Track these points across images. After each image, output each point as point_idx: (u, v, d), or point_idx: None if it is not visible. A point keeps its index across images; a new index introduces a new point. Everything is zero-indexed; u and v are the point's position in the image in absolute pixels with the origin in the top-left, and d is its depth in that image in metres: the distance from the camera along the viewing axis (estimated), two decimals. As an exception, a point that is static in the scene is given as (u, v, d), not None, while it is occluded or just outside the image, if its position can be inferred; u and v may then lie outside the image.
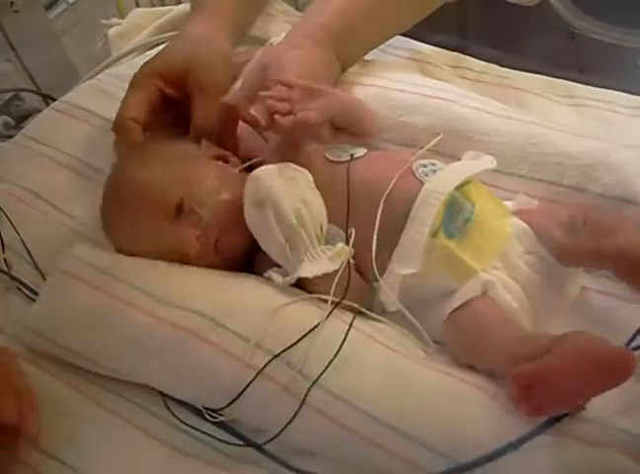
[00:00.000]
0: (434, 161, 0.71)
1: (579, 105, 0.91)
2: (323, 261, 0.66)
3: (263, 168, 0.68)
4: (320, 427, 0.59)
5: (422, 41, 1.01)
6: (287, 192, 0.67)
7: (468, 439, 0.55)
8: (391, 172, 0.68)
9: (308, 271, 0.65)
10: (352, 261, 0.66)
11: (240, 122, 0.77)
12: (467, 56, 0.97)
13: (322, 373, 0.59)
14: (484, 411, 0.57)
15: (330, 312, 0.63)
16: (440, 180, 0.67)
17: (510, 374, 0.55)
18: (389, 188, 0.67)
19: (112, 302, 0.66)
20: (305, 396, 0.59)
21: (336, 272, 0.64)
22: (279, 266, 0.68)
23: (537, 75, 0.95)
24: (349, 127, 0.77)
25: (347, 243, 0.67)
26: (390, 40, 0.95)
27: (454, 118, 0.77)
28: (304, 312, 0.64)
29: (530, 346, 0.57)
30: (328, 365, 0.59)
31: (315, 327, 0.62)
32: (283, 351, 0.61)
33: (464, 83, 0.93)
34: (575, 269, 0.67)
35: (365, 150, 0.74)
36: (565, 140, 0.74)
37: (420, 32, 0.97)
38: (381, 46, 0.94)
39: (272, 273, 0.68)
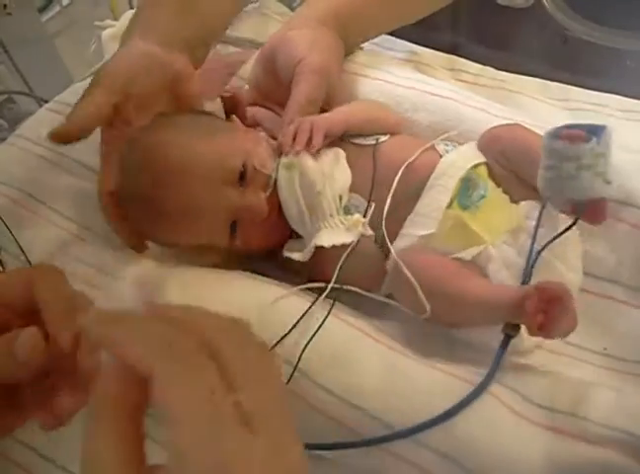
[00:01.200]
0: (455, 143, 0.73)
1: (574, 108, 0.91)
2: (341, 231, 0.67)
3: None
4: (317, 424, 0.59)
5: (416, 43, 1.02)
6: (316, 160, 0.69)
7: (466, 437, 0.55)
8: (414, 148, 0.71)
9: (326, 239, 0.66)
10: (370, 232, 0.68)
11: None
12: (463, 59, 0.97)
13: (301, 354, 0.60)
14: (482, 409, 0.57)
15: (317, 299, 0.64)
16: (459, 155, 0.70)
17: (537, 286, 0.57)
18: (412, 157, 0.69)
19: (110, 301, 0.66)
20: (288, 381, 0.59)
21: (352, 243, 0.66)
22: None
23: (533, 78, 0.95)
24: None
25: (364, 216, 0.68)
26: (386, 42, 0.95)
27: (456, 117, 0.78)
28: (297, 304, 0.64)
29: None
30: (305, 347, 0.60)
31: (304, 315, 0.62)
32: (276, 343, 0.61)
33: (460, 85, 0.93)
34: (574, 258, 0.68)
35: (388, 135, 0.75)
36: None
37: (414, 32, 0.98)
38: (377, 48, 0.94)
39: (287, 252, 0.69)
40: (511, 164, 0.69)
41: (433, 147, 0.72)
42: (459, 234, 0.66)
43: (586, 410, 0.56)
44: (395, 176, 0.68)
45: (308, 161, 0.69)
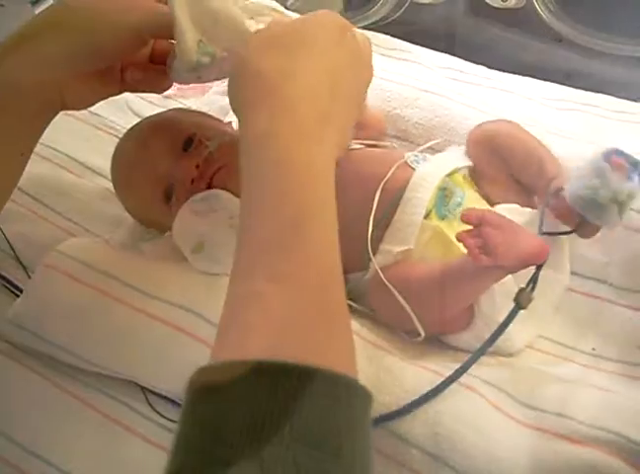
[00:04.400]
0: (425, 154, 0.73)
1: (567, 108, 0.91)
2: None
3: (177, 219, 0.70)
4: None
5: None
6: (213, 223, 0.69)
7: (454, 435, 0.55)
8: (384, 160, 0.70)
9: None
10: None
11: None
12: (457, 58, 0.97)
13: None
14: (468, 407, 0.57)
15: None
16: (433, 165, 0.69)
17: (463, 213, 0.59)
18: (388, 175, 0.68)
19: (98, 296, 0.66)
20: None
21: None
22: None
23: (525, 77, 0.95)
24: None
25: None
26: (380, 40, 0.95)
27: (446, 115, 0.78)
28: None
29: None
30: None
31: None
32: None
33: (453, 83, 0.93)
34: (561, 258, 0.68)
35: (362, 146, 0.75)
36: (555, 142, 0.74)
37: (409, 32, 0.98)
38: (374, 47, 0.94)
39: None
40: (505, 163, 0.69)
41: (403, 161, 0.71)
42: (438, 245, 0.66)
43: (573, 410, 0.56)
44: (360, 187, 0.68)
45: (209, 232, 0.69)
